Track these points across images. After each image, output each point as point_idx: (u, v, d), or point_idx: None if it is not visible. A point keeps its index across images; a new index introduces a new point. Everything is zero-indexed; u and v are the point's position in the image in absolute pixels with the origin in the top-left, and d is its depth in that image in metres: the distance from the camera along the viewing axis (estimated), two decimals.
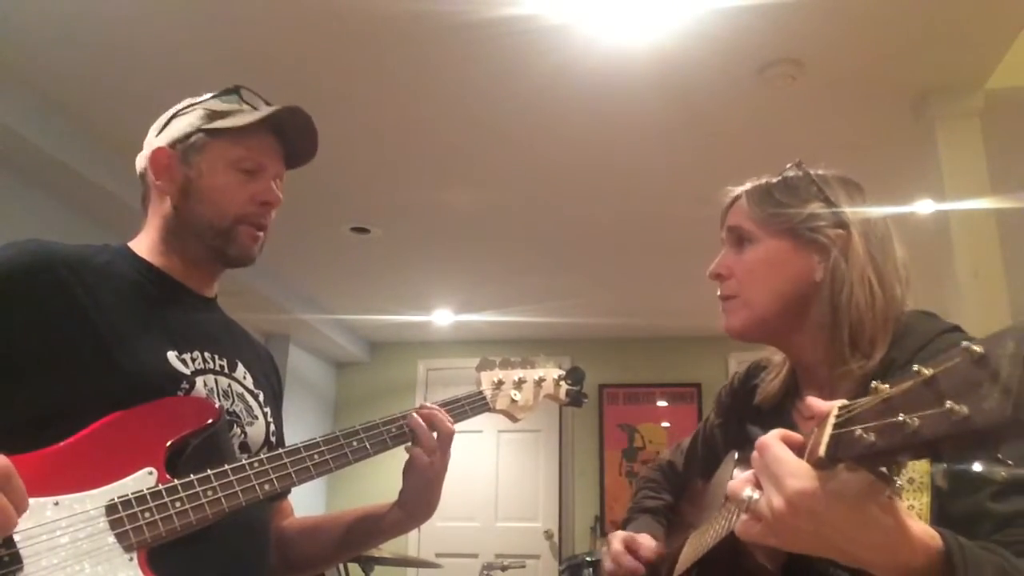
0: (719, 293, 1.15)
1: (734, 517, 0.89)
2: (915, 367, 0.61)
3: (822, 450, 0.69)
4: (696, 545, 1.07)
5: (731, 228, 1.15)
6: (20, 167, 3.33)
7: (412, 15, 2.61)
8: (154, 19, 2.68)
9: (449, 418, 1.25)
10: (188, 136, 1.21)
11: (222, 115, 1.22)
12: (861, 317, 1.03)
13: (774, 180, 1.14)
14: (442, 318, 5.94)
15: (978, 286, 2.69)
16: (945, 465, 0.61)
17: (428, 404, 1.28)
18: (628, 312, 5.67)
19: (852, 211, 1.08)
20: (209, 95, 1.25)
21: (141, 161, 1.26)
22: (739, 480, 0.76)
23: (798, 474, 0.70)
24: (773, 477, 0.71)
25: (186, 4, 2.60)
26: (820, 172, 1.13)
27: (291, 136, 1.27)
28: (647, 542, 1.24)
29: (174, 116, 1.24)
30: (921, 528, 0.72)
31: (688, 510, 1.31)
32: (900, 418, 0.60)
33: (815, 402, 0.75)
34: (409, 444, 1.23)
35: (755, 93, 3.01)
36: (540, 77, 2.94)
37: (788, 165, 1.15)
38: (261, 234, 1.24)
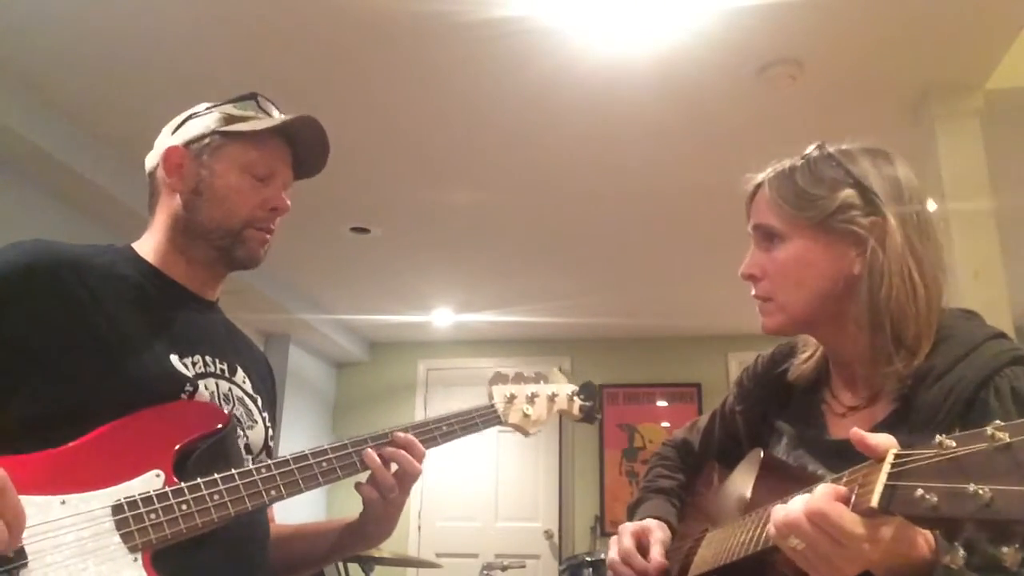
0: (753, 293, 1.09)
1: (761, 532, 0.88)
2: (989, 430, 0.57)
3: (875, 500, 0.66)
4: (716, 549, 1.04)
5: (757, 226, 1.08)
6: (20, 167, 3.33)
7: (413, 15, 2.61)
8: (155, 20, 2.68)
9: (418, 456, 1.18)
10: (203, 137, 1.21)
11: (238, 120, 1.23)
12: (903, 312, 0.97)
13: (798, 164, 1.06)
14: (442, 318, 5.94)
15: (978, 286, 2.69)
16: (1018, 545, 0.57)
17: (403, 431, 1.20)
18: (628, 312, 5.67)
19: (887, 197, 1.01)
20: (226, 100, 1.26)
21: (152, 159, 1.25)
22: (783, 523, 0.76)
23: (860, 539, 0.70)
24: (835, 543, 0.72)
25: (187, 6, 2.61)
26: (844, 148, 1.06)
27: (303, 146, 1.28)
28: (660, 538, 1.18)
29: (190, 117, 1.25)
30: (926, 543, 0.75)
31: (703, 493, 1.28)
32: (971, 488, 0.56)
33: (865, 437, 0.71)
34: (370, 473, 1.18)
35: (755, 93, 3.01)
36: (541, 77, 2.95)
37: (811, 147, 1.08)
38: (268, 238, 1.24)
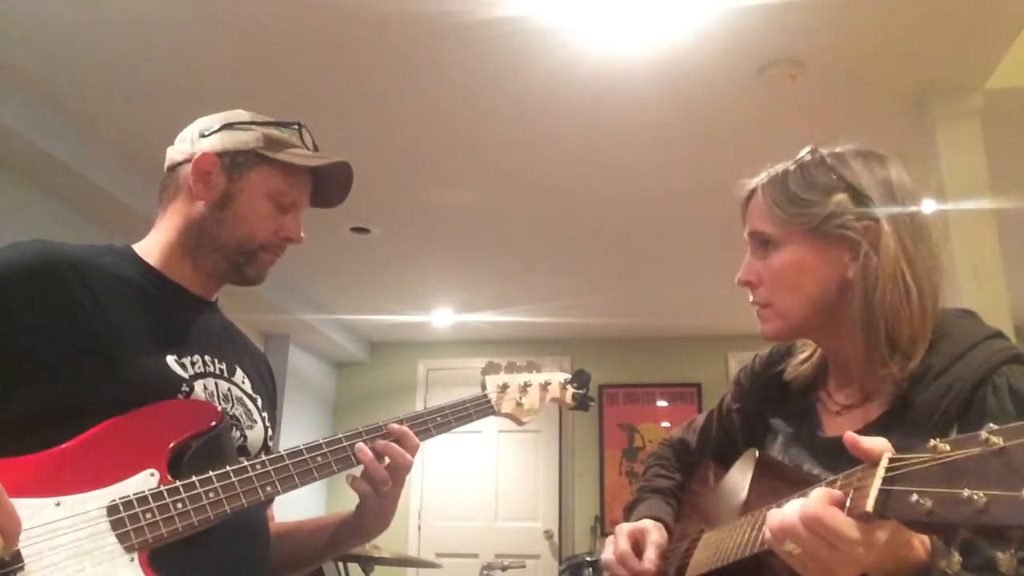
0: (751, 300, 1.10)
1: (757, 534, 0.88)
2: (983, 434, 0.57)
3: (870, 505, 0.66)
4: (712, 550, 1.04)
5: (752, 233, 1.09)
6: (20, 167, 3.33)
7: (414, 16, 2.61)
8: (156, 20, 2.68)
9: (411, 447, 1.18)
10: (239, 153, 1.21)
11: (279, 145, 1.23)
12: (897, 314, 0.97)
13: (791, 169, 1.06)
14: (442, 318, 5.94)
15: (978, 286, 2.69)
16: (1013, 550, 0.56)
17: (397, 423, 1.20)
18: (628, 312, 5.67)
19: (879, 199, 1.01)
20: (270, 119, 1.26)
21: (176, 155, 1.24)
22: (778, 528, 0.76)
23: (855, 543, 0.70)
24: (831, 547, 0.72)
25: (187, 7, 2.60)
26: (838, 151, 1.06)
27: (328, 185, 1.29)
28: (656, 540, 1.17)
29: (228, 126, 1.23)
30: (922, 546, 0.76)
31: (699, 491, 1.28)
32: (964, 493, 0.56)
33: (859, 440, 0.71)
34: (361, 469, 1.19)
35: (755, 93, 3.01)
36: (541, 77, 2.95)
37: (804, 151, 1.08)
38: (277, 260, 1.27)
